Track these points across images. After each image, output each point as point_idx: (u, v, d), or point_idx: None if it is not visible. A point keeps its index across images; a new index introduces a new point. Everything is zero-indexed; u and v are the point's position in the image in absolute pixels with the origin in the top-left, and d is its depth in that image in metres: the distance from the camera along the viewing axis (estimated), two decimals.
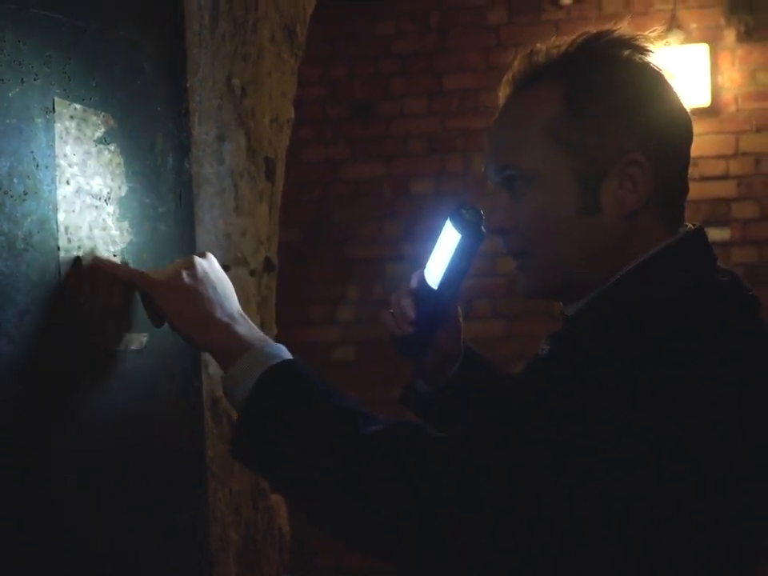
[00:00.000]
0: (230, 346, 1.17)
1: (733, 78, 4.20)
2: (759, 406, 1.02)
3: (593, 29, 1.18)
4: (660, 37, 1.17)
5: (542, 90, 1.16)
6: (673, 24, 4.20)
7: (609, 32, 1.16)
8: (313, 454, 1.07)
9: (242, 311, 1.23)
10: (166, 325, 1.24)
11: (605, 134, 1.12)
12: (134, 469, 1.28)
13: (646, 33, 1.17)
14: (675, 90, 1.17)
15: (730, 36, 4.21)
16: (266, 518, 1.81)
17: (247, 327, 1.20)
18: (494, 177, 1.20)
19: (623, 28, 1.17)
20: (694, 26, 4.23)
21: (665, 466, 0.97)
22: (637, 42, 1.16)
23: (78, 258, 1.18)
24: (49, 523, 1.13)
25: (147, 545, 1.31)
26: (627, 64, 1.15)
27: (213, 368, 1.58)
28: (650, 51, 1.16)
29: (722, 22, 4.22)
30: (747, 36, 4.19)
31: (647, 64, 1.16)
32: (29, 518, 1.10)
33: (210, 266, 1.24)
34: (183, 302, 1.20)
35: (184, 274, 1.20)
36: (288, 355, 1.16)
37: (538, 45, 1.19)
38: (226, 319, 1.19)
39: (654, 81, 1.15)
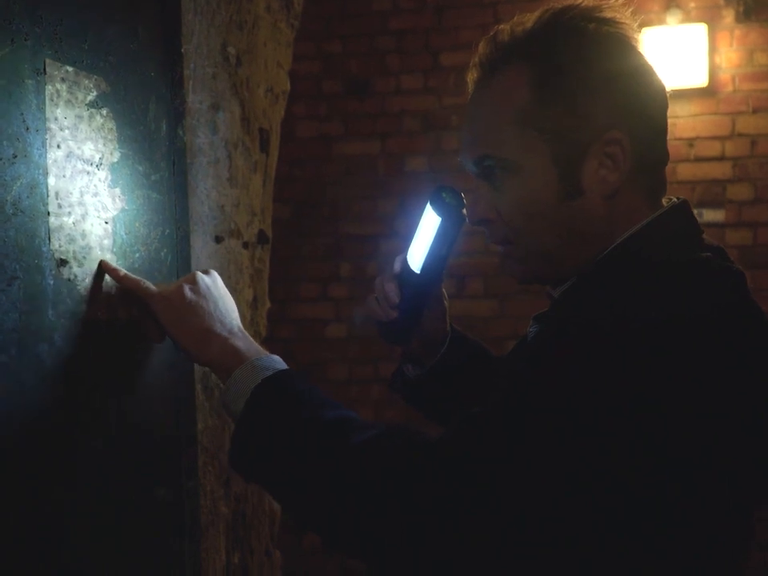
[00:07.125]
0: (226, 359, 1.17)
1: (730, 58, 4.17)
2: (749, 382, 1.00)
3: (557, 4, 1.13)
4: (625, 5, 1.13)
5: (510, 74, 1.12)
6: (671, 3, 4.18)
7: (573, 6, 1.12)
8: (306, 465, 1.06)
9: (242, 327, 1.23)
10: None
11: (579, 114, 1.08)
12: (123, 441, 1.27)
13: (609, 2, 1.12)
14: (646, 58, 1.13)
15: (728, 16, 4.18)
16: (256, 492, 1.80)
17: (245, 341, 1.20)
18: (472, 168, 1.16)
19: (587, 0, 1.12)
20: (692, 5, 4.20)
21: (669, 450, 0.95)
22: (602, 14, 1.11)
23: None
24: (34, 497, 1.12)
25: (136, 518, 1.29)
26: (594, 38, 1.10)
27: None
28: (617, 22, 1.11)
29: (721, 1, 4.19)
30: (746, 16, 4.15)
31: (615, 35, 1.11)
32: (9, 490, 1.09)
33: (213, 282, 1.25)
34: (183, 315, 1.20)
35: (186, 289, 1.21)
36: (282, 366, 1.16)
37: (502, 25, 1.14)
38: (224, 333, 1.20)
39: (623, 53, 1.11)
